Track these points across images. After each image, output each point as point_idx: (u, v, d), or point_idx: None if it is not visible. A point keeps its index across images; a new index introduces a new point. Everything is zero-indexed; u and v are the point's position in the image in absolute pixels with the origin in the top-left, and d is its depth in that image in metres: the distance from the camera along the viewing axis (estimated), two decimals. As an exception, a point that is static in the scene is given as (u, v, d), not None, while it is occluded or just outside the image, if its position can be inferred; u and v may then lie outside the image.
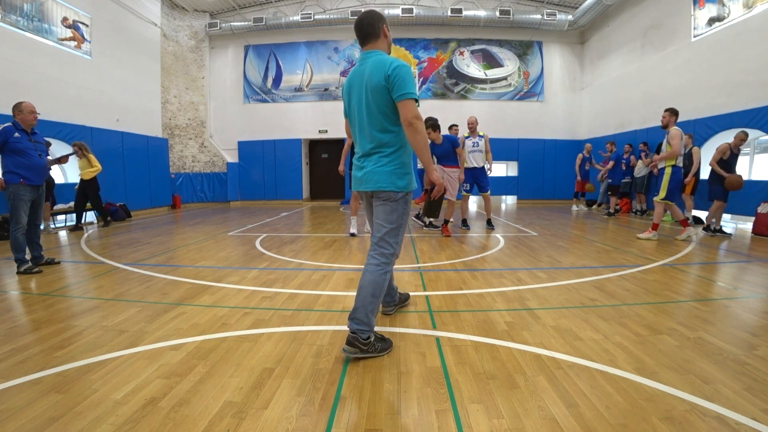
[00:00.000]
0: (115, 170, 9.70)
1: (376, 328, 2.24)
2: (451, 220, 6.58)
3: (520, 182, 13.41)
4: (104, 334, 2.46)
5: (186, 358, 2.12)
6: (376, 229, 2.20)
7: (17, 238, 4.01)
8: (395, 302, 2.80)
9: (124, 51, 10.35)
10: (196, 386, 1.83)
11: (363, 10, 11.60)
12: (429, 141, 5.89)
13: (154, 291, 3.39)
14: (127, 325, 2.59)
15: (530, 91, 13.62)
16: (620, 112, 11.52)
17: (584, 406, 1.66)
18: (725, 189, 6.14)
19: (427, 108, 12.22)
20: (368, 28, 2.14)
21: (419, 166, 6.14)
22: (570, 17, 12.37)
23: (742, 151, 6.48)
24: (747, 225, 7.25)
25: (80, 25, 8.96)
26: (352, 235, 6.21)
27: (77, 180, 7.56)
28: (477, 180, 6.76)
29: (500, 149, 12.10)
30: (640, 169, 9.14)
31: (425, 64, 13.56)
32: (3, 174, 4.05)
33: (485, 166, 6.80)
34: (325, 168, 14.67)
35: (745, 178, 8.08)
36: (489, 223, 7.08)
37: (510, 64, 13.54)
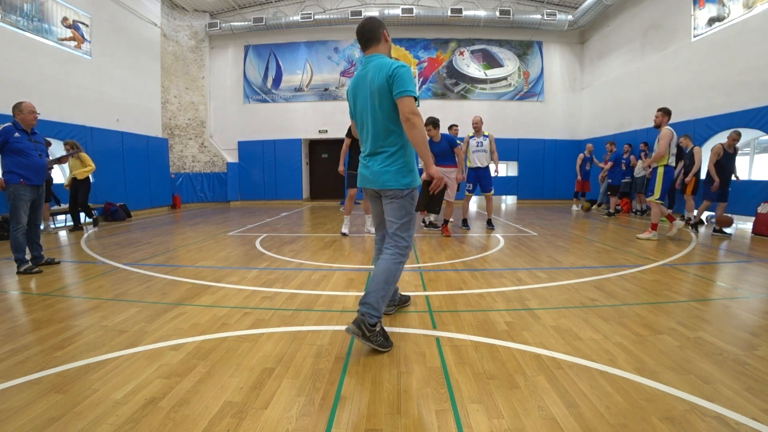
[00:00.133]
0: (115, 170, 9.71)
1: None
2: (451, 219, 6.58)
3: (520, 182, 13.41)
4: (104, 334, 2.46)
5: (186, 358, 2.12)
6: (388, 226, 2.33)
7: (17, 238, 4.01)
8: (395, 302, 2.81)
9: (124, 51, 10.35)
10: (196, 386, 1.83)
11: (363, 10, 11.54)
12: (428, 138, 5.90)
13: (154, 291, 3.39)
14: (127, 325, 2.59)
15: (530, 91, 13.62)
16: (620, 112, 11.52)
17: (584, 406, 1.65)
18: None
19: (427, 108, 12.22)
20: (369, 33, 2.27)
21: (420, 165, 6.15)
22: (570, 17, 12.37)
23: (742, 151, 6.53)
24: (747, 225, 7.25)
25: (80, 25, 8.96)
26: (344, 234, 6.23)
27: (64, 180, 7.40)
28: (480, 180, 6.75)
29: (500, 149, 11.91)
30: (640, 169, 9.13)
31: (425, 64, 13.56)
32: (3, 174, 4.05)
33: (489, 166, 6.79)
34: (325, 168, 14.66)
35: (745, 178, 8.12)
36: (489, 223, 7.07)
37: (510, 64, 13.54)
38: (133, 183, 10.25)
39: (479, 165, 6.67)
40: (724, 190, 6.33)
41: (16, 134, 4.02)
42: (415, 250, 5.09)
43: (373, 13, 12.46)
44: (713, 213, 6.70)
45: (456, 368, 2.00)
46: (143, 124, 11.04)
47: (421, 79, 13.56)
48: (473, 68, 13.53)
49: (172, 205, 12.27)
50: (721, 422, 1.54)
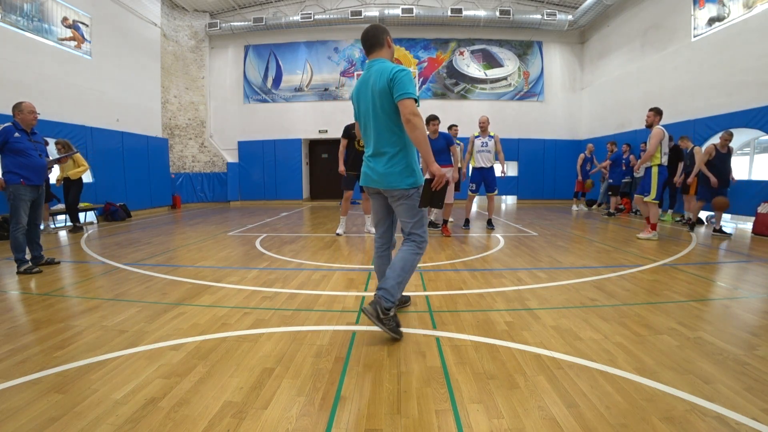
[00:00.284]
0: (115, 170, 9.70)
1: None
2: (451, 219, 6.58)
3: (520, 182, 13.41)
4: (104, 334, 2.46)
5: (186, 358, 2.12)
6: (403, 226, 2.46)
7: (17, 238, 4.01)
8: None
9: (124, 51, 10.34)
10: (196, 386, 1.83)
11: (363, 10, 11.51)
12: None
13: (154, 291, 3.39)
14: (127, 325, 2.59)
15: (530, 91, 13.61)
16: (620, 112, 11.52)
17: (584, 406, 1.65)
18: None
19: (427, 108, 12.19)
20: (373, 39, 2.40)
21: (420, 164, 6.15)
22: (570, 17, 12.37)
23: (742, 151, 6.54)
24: (747, 225, 7.25)
25: (80, 25, 8.95)
26: (338, 235, 6.25)
27: (54, 181, 7.17)
28: (485, 179, 6.74)
29: (500, 149, 12.11)
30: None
31: (425, 64, 13.56)
32: (3, 174, 4.04)
33: (494, 166, 6.76)
34: (325, 168, 14.66)
35: (745, 178, 8.11)
36: (489, 223, 7.07)
37: (510, 64, 13.54)
38: (133, 183, 10.24)
39: (483, 165, 6.65)
40: (722, 190, 6.33)
41: (16, 134, 4.02)
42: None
43: (373, 13, 12.47)
44: (713, 213, 6.70)
45: (456, 368, 2.00)
46: (143, 124, 11.03)
47: (421, 79, 13.56)
48: (473, 68, 13.53)
49: (172, 205, 12.26)
50: (721, 422, 1.54)
